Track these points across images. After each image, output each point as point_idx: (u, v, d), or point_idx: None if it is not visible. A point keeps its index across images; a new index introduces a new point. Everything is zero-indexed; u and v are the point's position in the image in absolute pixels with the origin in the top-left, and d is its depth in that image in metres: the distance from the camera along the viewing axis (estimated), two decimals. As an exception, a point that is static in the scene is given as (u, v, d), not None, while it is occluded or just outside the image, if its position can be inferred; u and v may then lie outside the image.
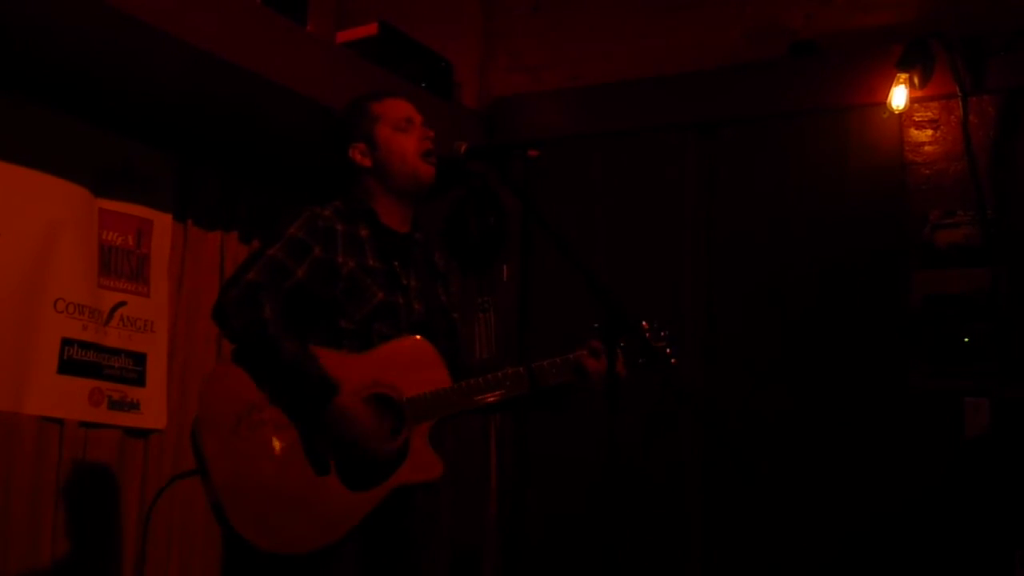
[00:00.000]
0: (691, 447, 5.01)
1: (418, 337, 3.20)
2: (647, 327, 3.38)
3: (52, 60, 4.07)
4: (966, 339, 4.55)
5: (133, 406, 4.65)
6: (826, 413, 4.75)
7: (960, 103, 4.66)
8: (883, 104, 4.72)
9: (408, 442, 3.09)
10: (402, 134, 3.32)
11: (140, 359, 4.72)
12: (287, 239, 3.12)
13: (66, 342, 4.40)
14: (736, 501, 4.88)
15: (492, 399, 3.20)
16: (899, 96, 4.67)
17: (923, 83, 4.68)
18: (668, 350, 3.38)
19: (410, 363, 3.17)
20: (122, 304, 4.69)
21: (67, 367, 4.40)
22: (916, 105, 4.76)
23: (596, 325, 3.17)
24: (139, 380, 4.70)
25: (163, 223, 4.90)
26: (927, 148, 4.78)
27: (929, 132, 4.78)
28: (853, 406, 4.71)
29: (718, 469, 4.95)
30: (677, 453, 5.01)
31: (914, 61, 4.65)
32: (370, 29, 5.01)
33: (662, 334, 3.39)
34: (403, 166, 3.30)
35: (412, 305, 3.25)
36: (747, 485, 4.85)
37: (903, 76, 4.66)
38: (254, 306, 3.01)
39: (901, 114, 4.74)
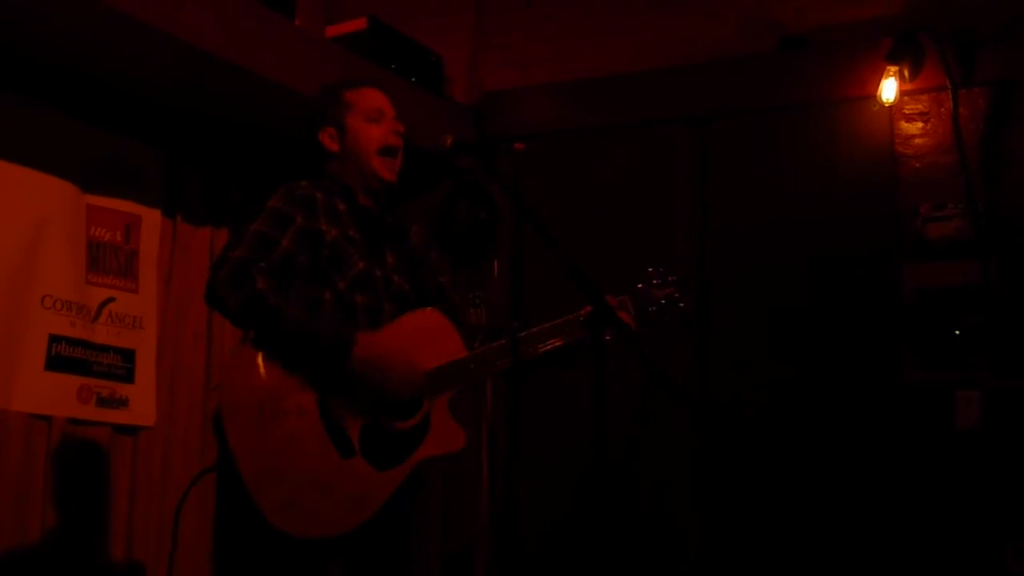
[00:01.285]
0: (682, 442, 5.00)
1: (430, 309, 3.22)
2: (653, 273, 3.36)
3: (38, 55, 4.05)
4: (957, 332, 4.54)
5: (122, 403, 4.63)
6: (818, 406, 4.75)
7: (950, 96, 4.65)
8: (873, 97, 4.71)
9: (429, 416, 3.10)
10: (372, 124, 3.35)
11: (129, 355, 4.70)
12: (267, 211, 3.14)
13: (54, 339, 4.38)
14: (728, 496, 4.87)
15: (509, 363, 3.19)
16: (889, 89, 4.66)
17: (913, 76, 4.67)
18: (677, 294, 3.35)
19: (426, 335, 3.17)
20: (111, 300, 4.67)
21: (55, 364, 4.38)
22: (906, 98, 4.75)
23: (581, 319, 3.17)
24: (128, 376, 4.68)
25: (152, 219, 4.88)
26: (917, 141, 4.77)
27: (919, 125, 4.77)
28: (845, 399, 4.70)
29: (710, 464, 4.94)
30: (669, 449, 5.00)
31: (904, 54, 4.64)
32: (359, 24, 4.99)
33: (669, 279, 3.37)
34: (365, 160, 3.33)
35: (391, 277, 3.27)
36: (739, 479, 4.85)
37: (893, 69, 4.65)
38: (246, 280, 3.00)
39: (891, 107, 4.73)
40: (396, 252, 3.36)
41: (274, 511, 2.94)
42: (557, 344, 3.25)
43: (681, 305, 3.38)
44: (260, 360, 3.04)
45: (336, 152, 3.35)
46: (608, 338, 3.10)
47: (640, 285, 3.30)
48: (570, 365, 3.37)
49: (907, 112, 4.79)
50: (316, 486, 2.98)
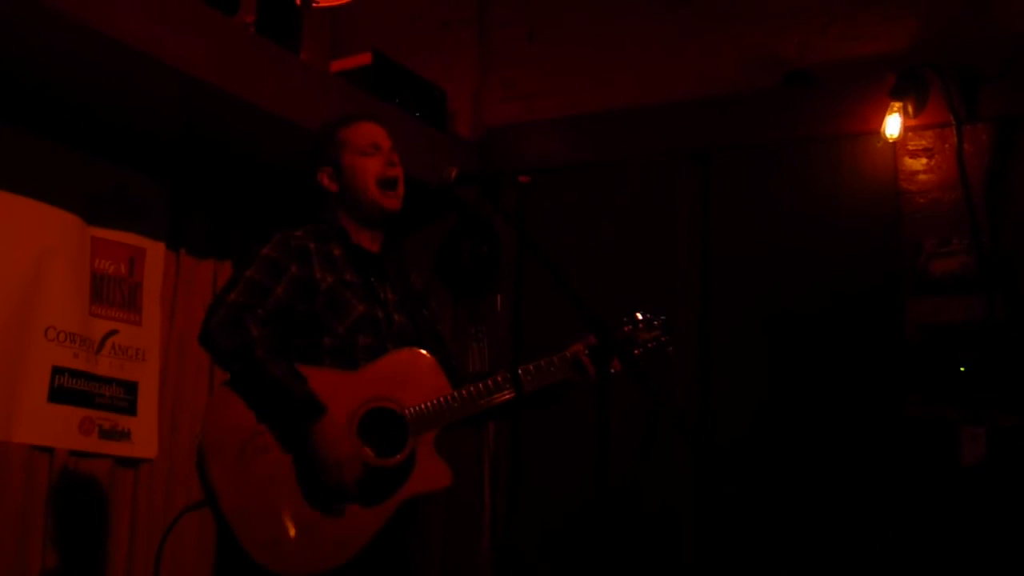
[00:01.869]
0: (685, 473, 4.98)
1: (414, 348, 3.21)
2: (640, 318, 3.37)
3: (45, 87, 4.07)
4: (962, 368, 4.53)
5: (124, 435, 4.62)
6: (821, 441, 4.72)
7: (954, 131, 4.66)
8: (877, 133, 4.72)
9: (414, 453, 3.09)
10: (367, 159, 3.35)
11: (131, 388, 4.70)
12: (261, 259, 3.15)
13: (57, 370, 4.38)
14: (730, 529, 4.84)
15: (495, 402, 3.21)
16: (893, 125, 4.67)
17: (917, 112, 4.68)
18: (663, 338, 3.36)
19: (409, 374, 3.17)
20: (114, 332, 4.67)
21: (58, 395, 4.37)
22: (910, 134, 4.75)
23: (586, 349, 3.18)
24: (130, 409, 4.68)
25: (156, 251, 4.89)
26: (922, 176, 4.77)
27: (923, 160, 4.77)
28: (848, 434, 4.68)
29: (712, 495, 4.91)
30: (671, 479, 4.98)
31: (908, 90, 4.66)
32: (364, 59, 5.02)
33: (655, 323, 3.37)
34: (364, 192, 3.33)
35: (392, 317, 3.26)
36: (741, 512, 4.82)
37: (897, 105, 4.66)
38: (240, 327, 3.03)
39: (895, 143, 4.74)
40: (397, 290, 3.35)
41: (257, 549, 2.93)
42: (545, 384, 3.25)
43: (669, 349, 3.38)
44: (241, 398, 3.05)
45: (335, 192, 3.35)
46: (614, 371, 3.12)
47: (627, 327, 3.30)
48: (560, 402, 3.38)
49: (911, 148, 4.79)
50: (300, 523, 2.97)
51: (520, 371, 3.19)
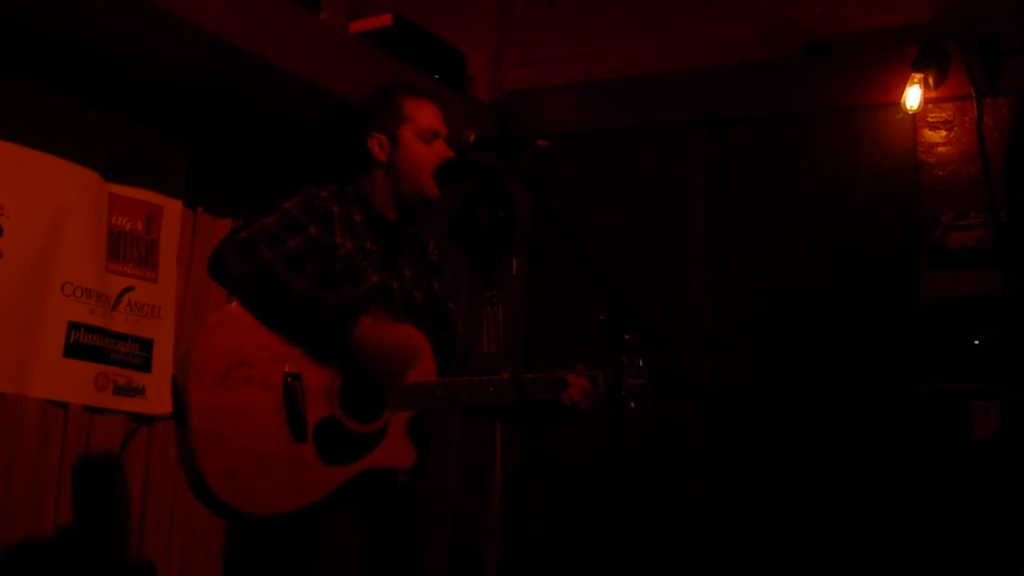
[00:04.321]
0: (695, 446, 4.99)
1: (409, 326, 3.18)
2: (628, 363, 3.37)
3: (64, 43, 4.06)
4: (976, 341, 4.52)
5: (138, 391, 4.65)
6: (834, 414, 4.73)
7: (975, 104, 4.64)
8: (897, 104, 4.70)
9: (386, 427, 3.08)
10: (426, 147, 3.31)
11: (147, 345, 4.72)
12: (282, 213, 3.11)
13: (72, 326, 4.39)
14: (740, 502, 4.86)
15: (474, 402, 3.22)
16: (913, 96, 4.65)
17: (938, 84, 4.66)
18: (649, 388, 3.44)
19: None
20: (130, 289, 4.68)
21: (73, 351, 4.39)
22: (930, 106, 4.73)
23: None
24: (145, 366, 4.70)
25: (173, 209, 4.90)
26: (941, 149, 4.75)
27: (943, 133, 4.75)
28: (861, 407, 4.69)
29: (722, 468, 4.93)
30: (682, 452, 4.99)
31: (929, 61, 4.63)
32: (384, 19, 5.00)
33: (644, 372, 3.42)
34: (416, 179, 3.30)
35: (409, 292, 3.24)
36: (752, 486, 4.83)
37: (917, 76, 4.64)
38: (254, 252, 2.98)
39: (915, 114, 4.72)
40: (413, 266, 3.33)
41: (215, 475, 2.89)
42: (546, 396, 3.29)
43: (649, 403, 3.41)
44: (240, 324, 3.00)
45: (383, 162, 3.30)
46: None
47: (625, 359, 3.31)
48: (545, 426, 3.44)
49: (931, 120, 4.77)
50: (260, 461, 2.94)
51: (507, 378, 3.22)
